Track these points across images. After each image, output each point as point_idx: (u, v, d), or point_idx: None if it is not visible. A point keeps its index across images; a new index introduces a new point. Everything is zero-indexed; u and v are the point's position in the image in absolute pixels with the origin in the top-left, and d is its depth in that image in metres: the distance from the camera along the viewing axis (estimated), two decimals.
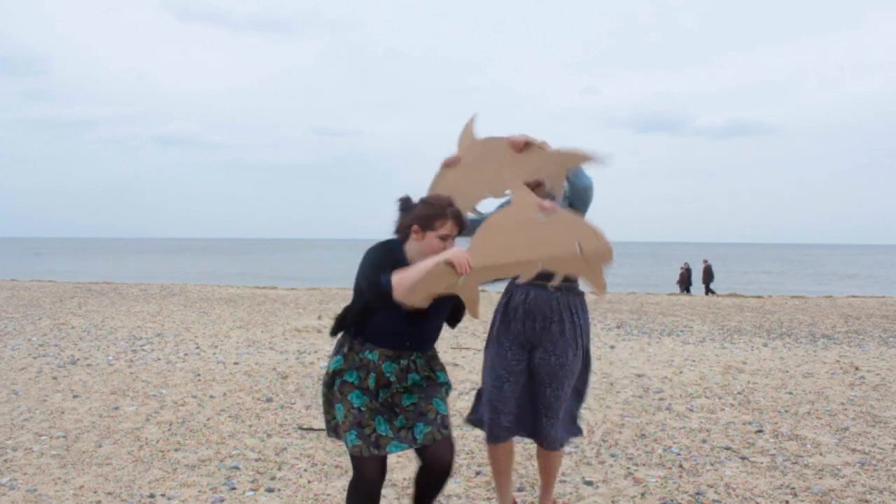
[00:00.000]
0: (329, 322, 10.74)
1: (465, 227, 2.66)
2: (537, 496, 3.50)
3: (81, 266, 49.11)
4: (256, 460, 4.11)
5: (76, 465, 4.00)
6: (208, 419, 4.99)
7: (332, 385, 2.66)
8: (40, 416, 5.05)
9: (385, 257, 2.56)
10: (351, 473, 3.88)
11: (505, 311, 3.06)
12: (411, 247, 2.59)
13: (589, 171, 2.92)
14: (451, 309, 2.73)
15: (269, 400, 5.59)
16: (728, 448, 4.41)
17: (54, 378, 6.33)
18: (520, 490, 3.70)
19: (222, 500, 3.50)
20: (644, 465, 4.09)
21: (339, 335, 2.74)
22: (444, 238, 2.55)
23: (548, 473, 3.21)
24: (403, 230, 2.62)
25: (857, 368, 7.21)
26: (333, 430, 2.71)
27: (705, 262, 25.25)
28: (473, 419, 3.18)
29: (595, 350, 8.18)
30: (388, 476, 2.88)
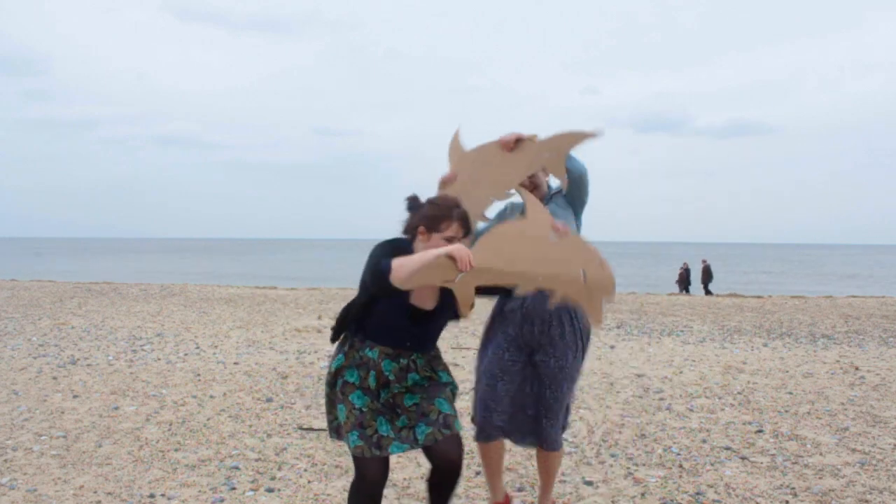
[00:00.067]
0: (329, 322, 10.74)
1: (472, 230, 2.64)
2: (537, 496, 3.50)
3: (81, 266, 49.12)
4: (256, 460, 4.11)
5: (76, 465, 4.00)
6: (208, 419, 4.99)
7: (335, 385, 2.65)
8: (40, 416, 5.05)
9: (393, 251, 2.55)
10: (351, 473, 3.88)
11: (501, 313, 3.06)
12: (418, 247, 2.58)
13: (583, 158, 2.93)
14: (454, 308, 2.73)
15: (269, 400, 5.59)
16: (728, 448, 4.41)
17: (54, 378, 6.33)
18: (520, 490, 3.70)
19: (222, 500, 3.50)
20: (644, 465, 4.09)
21: (343, 334, 2.73)
22: (450, 240, 2.53)
23: (547, 474, 3.21)
24: (411, 230, 2.61)
25: (857, 368, 7.21)
26: (335, 430, 2.70)
27: (704, 262, 25.28)
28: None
29: (595, 350, 8.18)
30: (388, 476, 2.86)
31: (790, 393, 6.03)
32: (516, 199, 3.05)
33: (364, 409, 2.55)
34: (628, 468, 4.03)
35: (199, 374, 6.55)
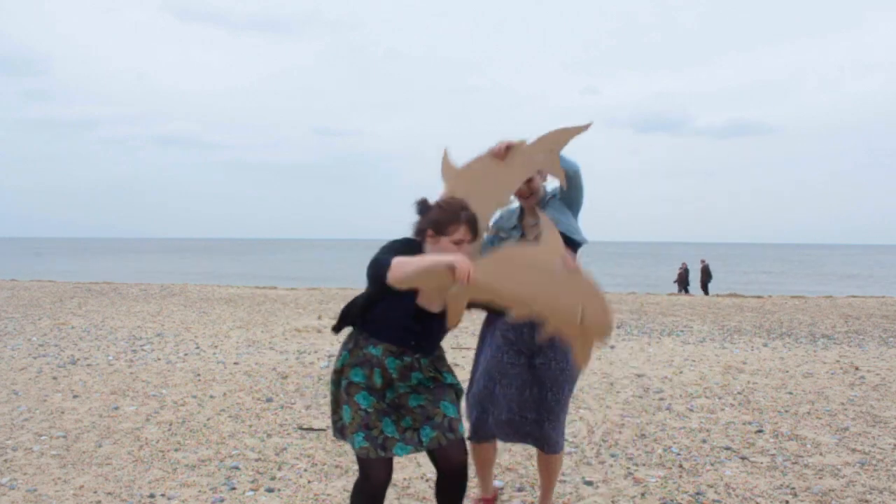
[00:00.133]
0: (329, 322, 10.74)
1: (480, 233, 2.62)
2: (537, 496, 3.50)
3: (81, 266, 49.11)
4: (256, 460, 4.11)
5: (76, 465, 4.00)
6: (208, 419, 4.99)
7: (339, 384, 2.64)
8: (40, 416, 5.05)
9: (402, 249, 2.55)
10: (351, 473, 3.89)
11: (500, 316, 3.06)
12: (427, 250, 2.57)
13: (582, 157, 2.92)
14: None
15: (269, 400, 5.59)
16: (728, 448, 4.41)
17: (54, 378, 6.33)
18: (520, 490, 3.70)
19: (222, 500, 3.50)
20: (644, 465, 4.09)
21: (349, 332, 2.71)
22: (457, 243, 2.52)
23: (548, 476, 3.21)
24: (420, 233, 2.60)
25: (857, 368, 7.21)
26: (339, 430, 2.68)
27: (703, 262, 25.31)
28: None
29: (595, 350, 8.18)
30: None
31: (790, 393, 6.03)
32: (514, 203, 3.05)
33: (370, 410, 2.54)
34: (628, 468, 4.03)
35: (199, 374, 6.56)
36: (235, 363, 7.17)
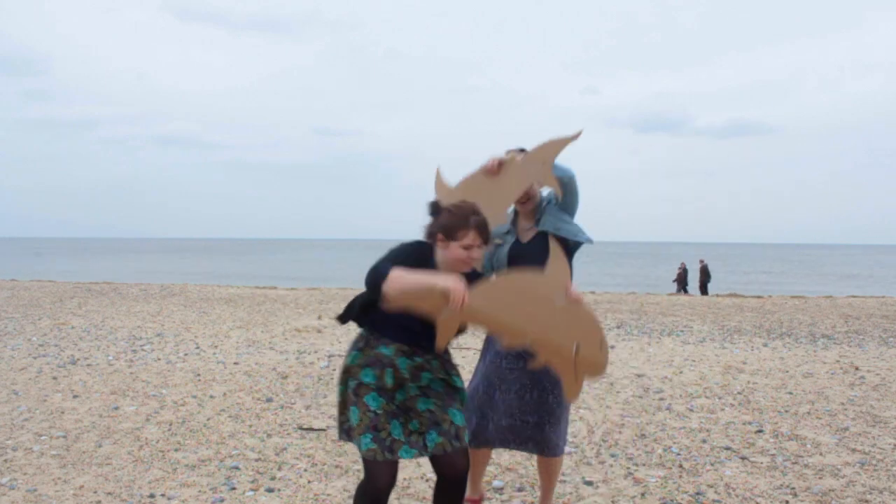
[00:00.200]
0: (329, 322, 10.74)
1: (490, 237, 2.59)
2: (537, 497, 3.51)
3: (81, 266, 49.12)
4: (256, 460, 4.11)
5: (76, 465, 4.00)
6: (208, 419, 4.99)
7: (347, 384, 2.61)
8: (40, 416, 5.05)
9: (412, 253, 2.53)
10: (351, 474, 3.89)
11: None
12: (438, 254, 2.55)
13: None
14: None
15: (269, 400, 5.59)
16: (728, 448, 4.41)
17: (54, 378, 6.33)
18: (520, 490, 3.70)
19: (222, 500, 3.50)
20: (644, 465, 4.09)
21: (359, 332, 2.69)
22: (467, 248, 2.49)
23: (548, 479, 3.21)
24: (431, 236, 2.58)
25: (857, 368, 7.21)
26: (346, 432, 2.64)
27: (701, 262, 25.35)
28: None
29: None
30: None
31: (790, 393, 6.03)
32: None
33: (379, 412, 2.51)
34: (628, 468, 4.03)
35: (199, 374, 6.56)
36: (235, 363, 7.17)
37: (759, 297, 17.98)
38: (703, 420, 5.09)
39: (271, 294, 16.54)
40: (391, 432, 2.50)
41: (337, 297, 15.84)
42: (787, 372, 7.03)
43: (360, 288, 2.61)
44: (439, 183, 2.96)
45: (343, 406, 2.64)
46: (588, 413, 5.23)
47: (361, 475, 3.83)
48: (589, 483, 3.78)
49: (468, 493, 3.34)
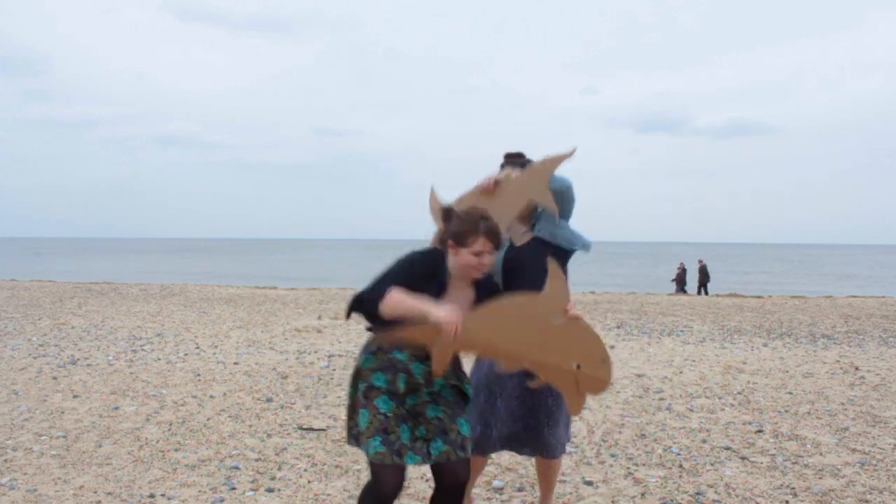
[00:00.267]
0: (329, 322, 10.74)
1: (501, 242, 2.57)
2: (537, 497, 3.50)
3: (81, 266, 49.12)
4: (256, 460, 4.11)
5: (76, 465, 4.00)
6: (208, 419, 4.99)
7: (357, 387, 2.59)
8: (40, 416, 5.05)
9: (421, 264, 2.51)
10: (351, 473, 3.89)
11: None
12: (450, 260, 2.54)
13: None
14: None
15: (269, 400, 5.59)
16: (728, 448, 4.41)
17: (54, 378, 6.33)
18: (520, 490, 3.70)
19: (222, 500, 3.50)
20: (644, 465, 4.09)
21: (371, 336, 2.65)
22: (477, 254, 2.47)
23: (547, 481, 3.22)
24: (442, 242, 2.57)
25: (857, 368, 7.21)
26: (355, 437, 2.61)
27: (700, 262, 25.38)
28: None
29: None
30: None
31: (790, 393, 6.03)
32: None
33: (389, 415, 2.49)
34: (628, 468, 4.03)
35: (199, 374, 6.56)
36: (235, 363, 7.17)
37: (759, 297, 17.98)
38: (703, 420, 5.10)
39: (271, 294, 16.54)
40: (400, 436, 2.48)
41: (337, 297, 15.84)
42: (787, 372, 7.03)
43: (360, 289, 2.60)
44: (434, 201, 2.95)
45: (352, 410, 2.61)
46: (588, 413, 5.23)
47: (362, 475, 3.84)
48: (589, 483, 3.78)
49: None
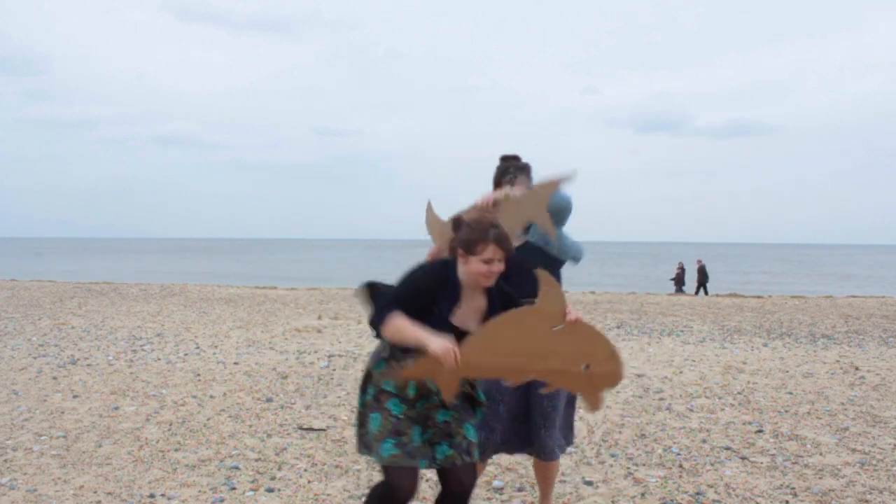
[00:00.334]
0: (329, 322, 10.74)
1: (511, 249, 2.54)
2: (537, 497, 3.50)
3: (81, 266, 49.11)
4: (256, 460, 4.11)
5: (76, 465, 4.00)
6: (208, 419, 4.99)
7: (367, 391, 2.58)
8: (40, 416, 5.05)
9: (428, 276, 2.50)
10: (351, 473, 3.89)
11: None
12: (461, 269, 2.53)
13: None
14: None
15: (269, 400, 5.59)
16: (728, 448, 4.41)
17: (54, 378, 6.33)
18: (520, 490, 3.70)
19: (222, 500, 3.50)
20: (644, 465, 4.09)
21: (380, 340, 2.62)
22: (487, 262, 2.46)
23: (546, 482, 3.22)
24: (452, 252, 2.56)
25: (857, 368, 7.21)
26: (366, 445, 2.57)
27: (699, 262, 25.39)
28: None
29: None
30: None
31: (790, 393, 6.03)
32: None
33: (401, 417, 2.49)
34: (628, 468, 4.03)
35: (199, 374, 6.56)
36: (235, 363, 7.17)
37: (759, 297, 17.98)
38: (703, 420, 5.10)
39: (271, 294, 16.54)
40: (412, 438, 2.47)
41: (337, 297, 15.84)
42: (787, 372, 7.03)
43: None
44: (431, 216, 2.93)
45: (363, 417, 2.59)
46: (588, 413, 5.23)
47: (362, 475, 3.84)
48: (589, 483, 3.78)
49: None
